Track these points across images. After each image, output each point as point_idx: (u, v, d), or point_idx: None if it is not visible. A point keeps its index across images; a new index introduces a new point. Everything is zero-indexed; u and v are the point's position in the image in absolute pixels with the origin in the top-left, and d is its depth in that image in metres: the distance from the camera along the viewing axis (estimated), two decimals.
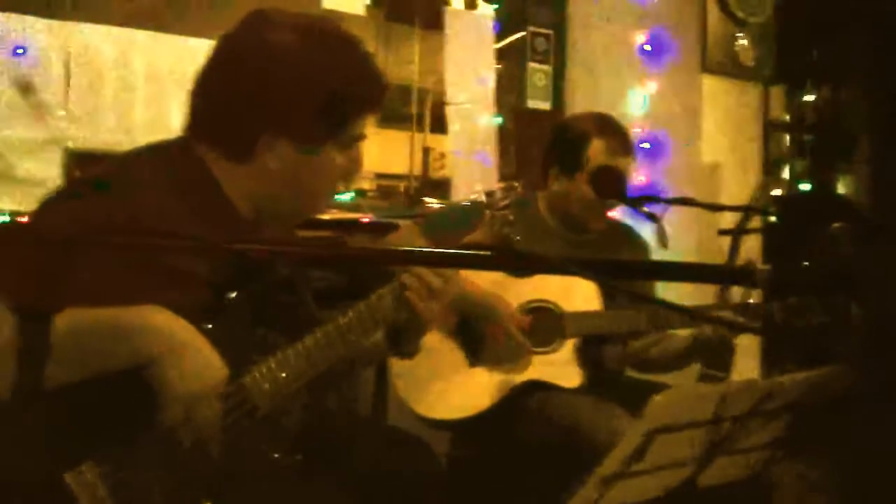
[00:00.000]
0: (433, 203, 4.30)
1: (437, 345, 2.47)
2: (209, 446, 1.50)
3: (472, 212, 2.15)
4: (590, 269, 0.96)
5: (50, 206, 1.54)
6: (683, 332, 2.58)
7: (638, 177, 3.96)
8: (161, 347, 1.42)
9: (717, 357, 2.53)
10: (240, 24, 1.65)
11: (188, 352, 1.43)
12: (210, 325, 1.53)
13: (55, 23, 3.31)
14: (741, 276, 1.05)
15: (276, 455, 1.63)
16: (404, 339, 1.93)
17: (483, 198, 1.98)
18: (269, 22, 1.63)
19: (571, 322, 2.48)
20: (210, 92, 1.64)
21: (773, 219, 2.57)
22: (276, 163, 1.62)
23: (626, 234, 2.80)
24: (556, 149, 2.66)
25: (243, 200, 1.67)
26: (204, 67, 1.65)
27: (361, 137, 1.71)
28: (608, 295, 2.48)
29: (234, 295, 1.57)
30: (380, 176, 5.61)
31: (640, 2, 4.10)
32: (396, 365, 2.47)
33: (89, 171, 1.65)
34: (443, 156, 5.08)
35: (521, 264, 1.04)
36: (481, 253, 0.98)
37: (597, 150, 2.55)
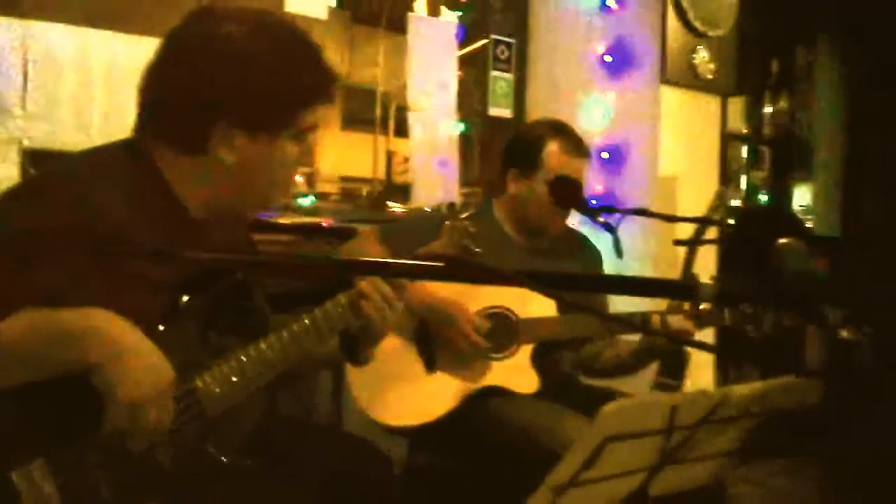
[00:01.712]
0: (396, 207, 4.30)
1: (394, 351, 2.47)
2: (158, 448, 1.50)
3: (432, 222, 2.16)
4: (541, 281, 0.97)
5: None
6: (635, 337, 2.62)
7: (595, 186, 4.00)
8: (104, 352, 1.40)
9: (671, 365, 2.56)
10: (185, 19, 1.65)
11: (131, 357, 1.42)
12: (163, 328, 1.52)
13: (13, 21, 3.27)
14: (685, 291, 1.06)
15: (226, 459, 1.62)
16: (358, 347, 1.93)
17: (445, 207, 1.99)
18: (216, 15, 1.63)
19: (526, 328, 2.50)
20: (160, 87, 1.62)
21: (728, 230, 2.59)
22: (231, 155, 1.61)
23: (581, 243, 2.84)
24: (513, 153, 2.71)
25: (194, 199, 1.66)
26: (152, 63, 1.63)
27: (314, 128, 1.70)
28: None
29: (187, 298, 1.57)
30: (343, 179, 5.59)
31: (602, 13, 4.14)
32: (353, 372, 2.47)
33: (39, 171, 1.64)
34: (406, 160, 5.08)
35: (474, 276, 1.05)
36: (434, 264, 0.98)
37: (552, 151, 2.61)
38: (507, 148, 2.76)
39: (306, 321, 1.70)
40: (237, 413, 1.63)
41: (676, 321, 2.41)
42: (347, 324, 1.78)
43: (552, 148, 2.61)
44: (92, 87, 3.42)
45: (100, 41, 3.42)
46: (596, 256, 2.83)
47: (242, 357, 1.61)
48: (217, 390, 1.57)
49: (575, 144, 2.65)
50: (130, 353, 1.42)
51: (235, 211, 1.75)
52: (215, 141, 1.60)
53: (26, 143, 3.26)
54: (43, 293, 1.40)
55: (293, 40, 1.66)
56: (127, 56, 3.38)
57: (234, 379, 1.59)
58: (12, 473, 1.37)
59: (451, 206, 2.03)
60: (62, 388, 1.40)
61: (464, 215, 2.10)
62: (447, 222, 2.07)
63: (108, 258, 1.39)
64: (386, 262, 1.13)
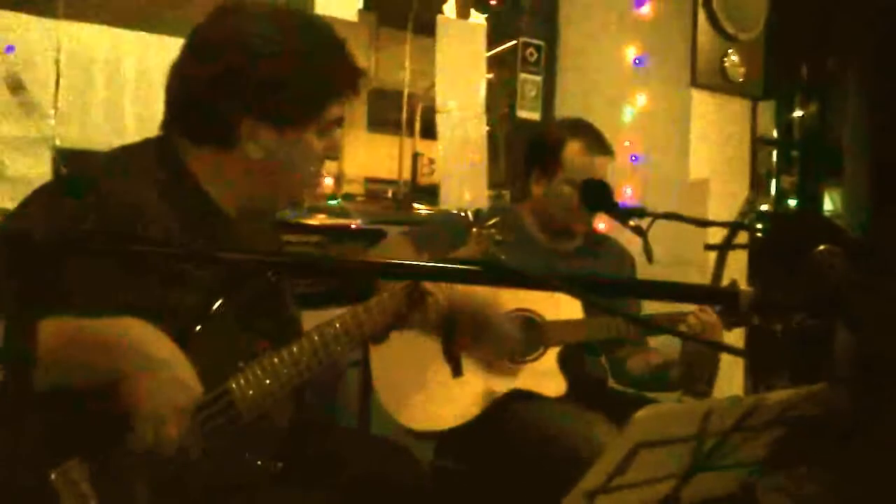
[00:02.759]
0: (422, 209, 4.30)
1: (420, 356, 2.46)
2: (192, 449, 1.50)
3: (458, 227, 2.15)
4: (574, 285, 0.97)
5: (28, 207, 1.54)
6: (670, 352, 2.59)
7: (625, 190, 3.99)
8: (134, 364, 1.40)
9: (700, 371, 2.53)
10: (210, 14, 1.66)
11: (160, 371, 1.40)
12: (199, 328, 1.53)
13: (46, 21, 3.30)
14: (725, 297, 1.05)
15: (259, 462, 1.63)
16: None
17: (470, 214, 2.00)
18: (240, 9, 1.65)
19: (552, 331, 2.49)
20: (186, 82, 1.64)
21: (759, 235, 2.57)
22: (258, 150, 1.63)
23: (611, 246, 2.82)
24: (534, 155, 2.73)
25: (224, 195, 1.67)
26: (178, 59, 1.65)
27: (340, 121, 1.72)
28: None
29: (221, 301, 1.57)
30: (368, 180, 5.60)
31: (631, 16, 4.13)
32: (379, 378, 2.47)
33: (70, 170, 1.65)
34: (432, 162, 5.08)
35: (509, 279, 1.05)
36: (470, 267, 0.98)
37: (573, 150, 2.62)
38: (529, 150, 2.77)
39: (338, 325, 1.70)
40: (270, 416, 1.63)
41: (700, 322, 2.38)
42: (378, 329, 1.78)
43: (573, 148, 2.62)
44: (124, 88, 3.45)
45: (132, 42, 3.45)
46: (627, 260, 2.81)
47: (276, 360, 1.61)
48: (251, 393, 1.57)
49: (596, 142, 2.65)
50: (160, 367, 1.41)
51: (265, 207, 1.76)
52: (242, 136, 1.62)
53: (58, 142, 3.28)
54: (77, 294, 1.40)
55: (317, 33, 1.68)
56: (159, 57, 3.40)
57: (268, 381, 1.59)
58: (51, 473, 1.38)
59: (478, 212, 2.03)
60: (98, 394, 1.40)
61: (490, 222, 2.10)
62: (474, 229, 2.07)
63: (145, 257, 1.39)
64: (423, 265, 1.13)
